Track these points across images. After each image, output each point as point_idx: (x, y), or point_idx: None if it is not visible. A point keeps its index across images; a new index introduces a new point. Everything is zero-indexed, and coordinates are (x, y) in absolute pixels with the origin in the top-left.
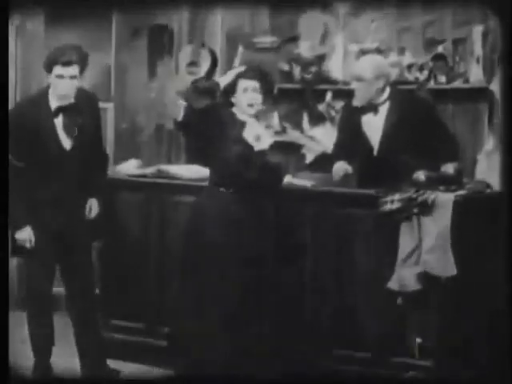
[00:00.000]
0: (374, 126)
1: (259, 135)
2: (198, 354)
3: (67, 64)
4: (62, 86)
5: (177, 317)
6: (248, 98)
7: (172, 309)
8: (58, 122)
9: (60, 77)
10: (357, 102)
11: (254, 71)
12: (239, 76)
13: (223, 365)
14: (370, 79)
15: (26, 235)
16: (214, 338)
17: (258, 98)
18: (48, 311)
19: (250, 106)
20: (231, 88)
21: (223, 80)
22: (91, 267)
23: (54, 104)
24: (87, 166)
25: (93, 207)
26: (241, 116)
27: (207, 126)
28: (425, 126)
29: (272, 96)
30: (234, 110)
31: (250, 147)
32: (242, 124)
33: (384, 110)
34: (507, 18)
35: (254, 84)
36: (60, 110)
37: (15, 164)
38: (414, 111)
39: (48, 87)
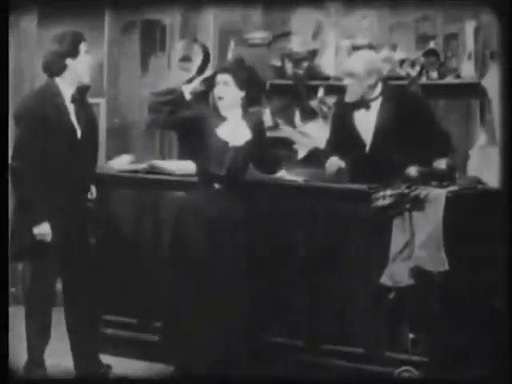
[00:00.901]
0: (366, 122)
1: (236, 131)
2: (188, 350)
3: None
4: (89, 61)
5: (168, 313)
6: (217, 91)
7: (163, 304)
8: (71, 111)
9: (88, 52)
10: (349, 98)
11: (227, 64)
12: (216, 71)
13: (213, 362)
14: (363, 75)
15: (45, 230)
16: (203, 335)
17: (227, 90)
18: (50, 308)
19: (220, 98)
20: (210, 84)
21: (188, 87)
22: (89, 260)
23: (68, 90)
24: (91, 154)
25: (93, 191)
26: (224, 111)
27: (191, 121)
28: (417, 121)
29: (253, 87)
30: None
31: (224, 143)
32: (221, 119)
33: (376, 105)
34: (505, 13)
35: (224, 77)
36: (81, 89)
37: (15, 165)
38: (406, 107)
39: (52, 79)
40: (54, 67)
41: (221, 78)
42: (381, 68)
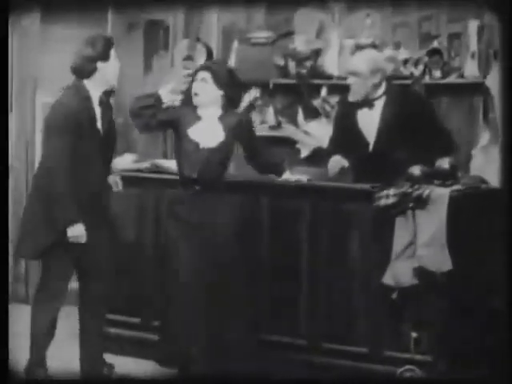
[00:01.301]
0: (369, 121)
1: (208, 132)
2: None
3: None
4: (118, 65)
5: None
6: (194, 87)
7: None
8: (98, 113)
9: (117, 57)
10: (353, 97)
11: (208, 63)
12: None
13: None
14: (367, 74)
15: (80, 231)
16: (200, 335)
17: (204, 87)
18: (59, 307)
19: (195, 95)
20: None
21: (165, 90)
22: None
23: (96, 93)
24: (110, 155)
25: (118, 181)
26: (200, 110)
27: (169, 124)
28: (420, 120)
29: (233, 88)
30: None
31: (195, 144)
32: (196, 119)
33: (380, 104)
34: (505, 13)
35: (203, 74)
36: (107, 93)
37: (49, 166)
38: (410, 106)
39: (80, 81)
40: (85, 70)
41: (200, 75)
42: (385, 67)
